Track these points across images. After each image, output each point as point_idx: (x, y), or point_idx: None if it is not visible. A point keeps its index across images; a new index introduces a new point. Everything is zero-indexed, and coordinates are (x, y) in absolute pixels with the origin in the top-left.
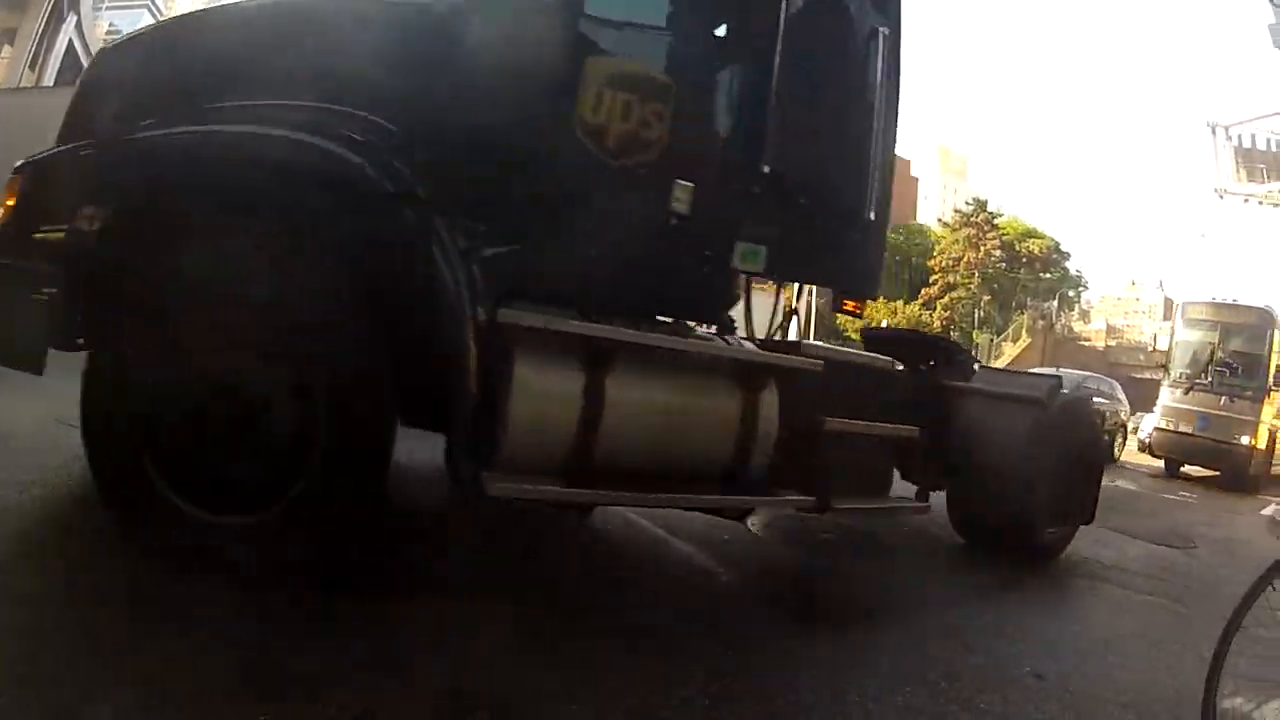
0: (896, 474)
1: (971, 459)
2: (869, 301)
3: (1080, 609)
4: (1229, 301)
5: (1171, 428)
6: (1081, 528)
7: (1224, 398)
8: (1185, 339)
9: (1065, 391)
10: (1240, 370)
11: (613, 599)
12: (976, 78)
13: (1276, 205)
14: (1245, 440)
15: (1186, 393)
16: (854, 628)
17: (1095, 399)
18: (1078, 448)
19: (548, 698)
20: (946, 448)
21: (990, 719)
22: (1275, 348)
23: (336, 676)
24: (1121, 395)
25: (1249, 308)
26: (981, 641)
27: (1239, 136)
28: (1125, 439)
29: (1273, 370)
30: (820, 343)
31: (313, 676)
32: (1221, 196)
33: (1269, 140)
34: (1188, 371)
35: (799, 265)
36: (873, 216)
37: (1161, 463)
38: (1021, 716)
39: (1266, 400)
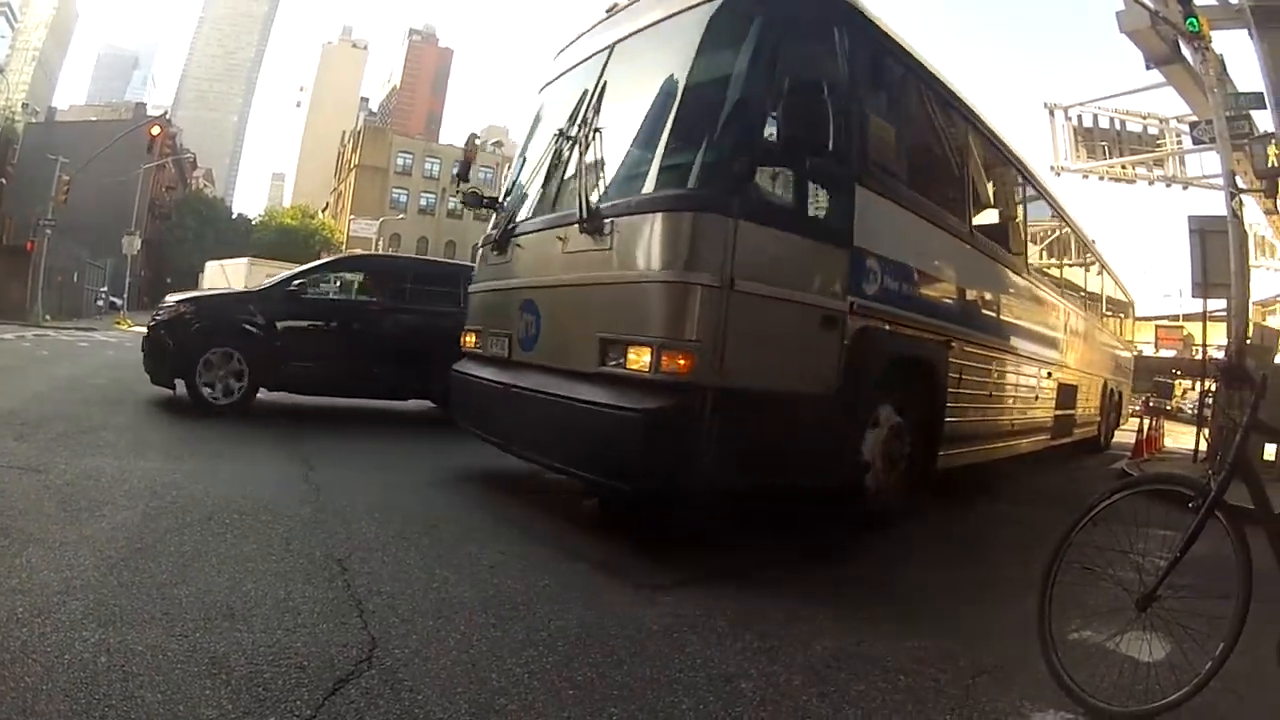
0: None
1: None
2: None
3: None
4: None
5: None
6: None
7: None
8: None
9: None
10: None
11: None
12: None
13: (1118, 179)
14: None
15: None
16: None
17: None
18: None
19: None
20: None
21: (822, 657)
22: None
23: None
24: None
25: None
26: (820, 592)
27: (1078, 116)
28: None
29: None
30: None
31: None
32: (1059, 174)
33: (1111, 120)
34: None
35: None
36: None
37: None
38: (853, 655)
39: None
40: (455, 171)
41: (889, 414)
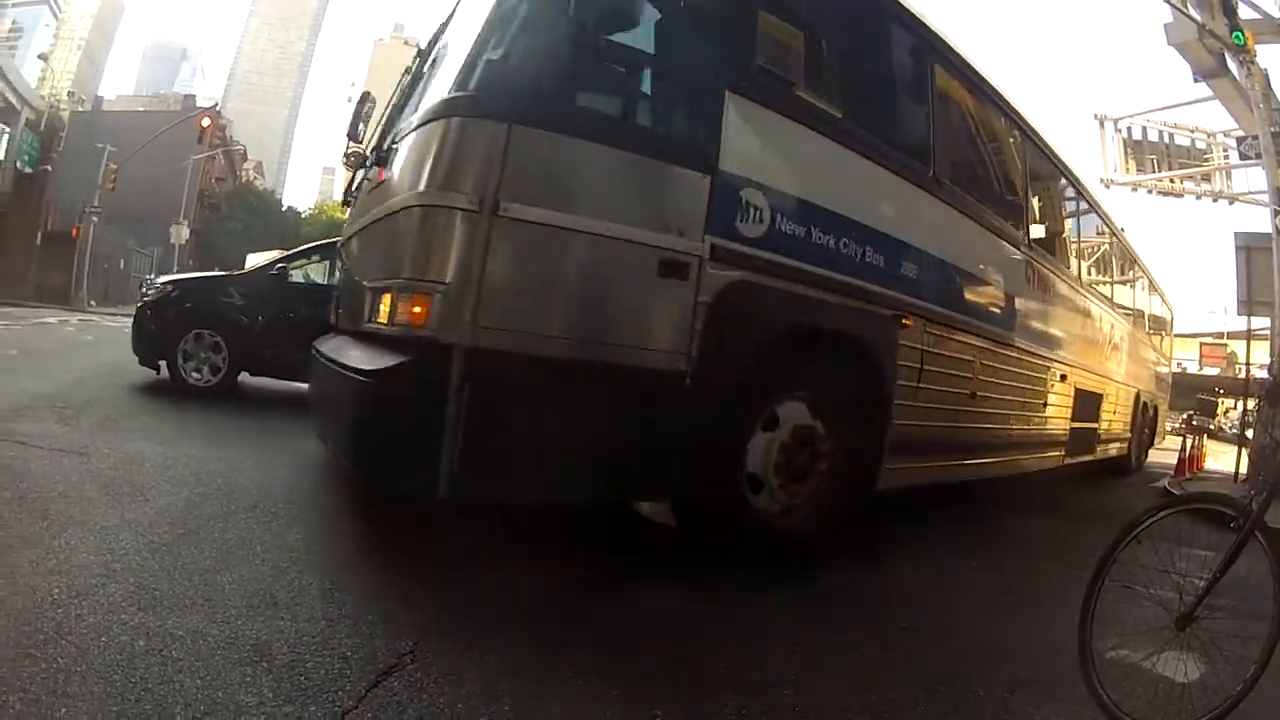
0: None
1: None
2: None
3: (961, 574)
4: None
5: None
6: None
7: None
8: None
9: None
10: None
11: None
12: None
13: (1165, 194)
14: None
15: None
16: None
17: None
18: None
19: None
20: None
21: (864, 666)
22: None
23: None
24: None
25: None
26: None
27: (1128, 129)
28: None
29: None
30: None
31: None
32: (1108, 186)
33: (1160, 133)
34: None
35: None
36: None
37: None
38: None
39: None
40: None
41: (796, 412)
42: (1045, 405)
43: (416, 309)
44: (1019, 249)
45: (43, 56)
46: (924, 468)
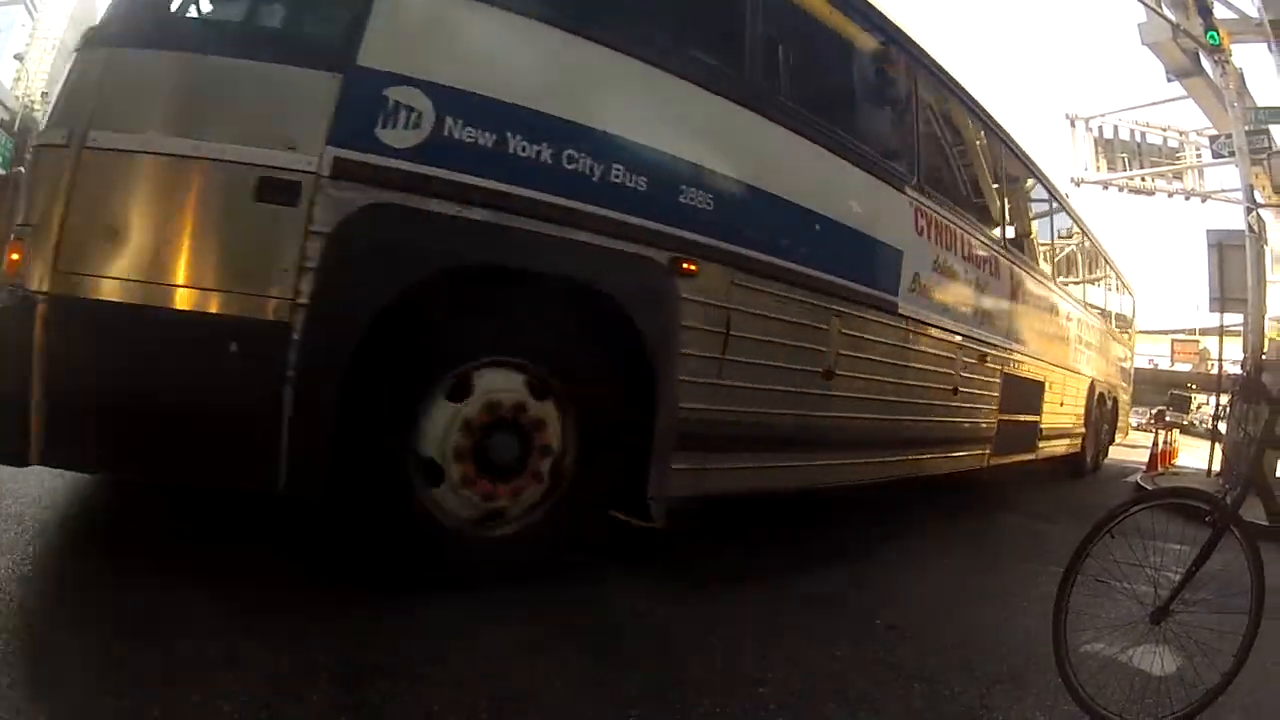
0: None
1: None
2: None
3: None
4: None
5: None
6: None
7: None
8: None
9: None
10: None
11: None
12: None
13: (1136, 192)
14: None
15: None
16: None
17: None
18: None
19: None
20: None
21: (841, 663)
22: None
23: None
24: None
25: None
26: (837, 599)
27: (1099, 128)
28: None
29: None
30: None
31: None
32: (1078, 185)
33: (1132, 131)
34: None
35: None
36: None
37: None
38: (872, 661)
39: None
40: None
41: (501, 383)
42: (956, 393)
43: (14, 255)
44: (904, 191)
45: (18, 57)
46: (743, 469)
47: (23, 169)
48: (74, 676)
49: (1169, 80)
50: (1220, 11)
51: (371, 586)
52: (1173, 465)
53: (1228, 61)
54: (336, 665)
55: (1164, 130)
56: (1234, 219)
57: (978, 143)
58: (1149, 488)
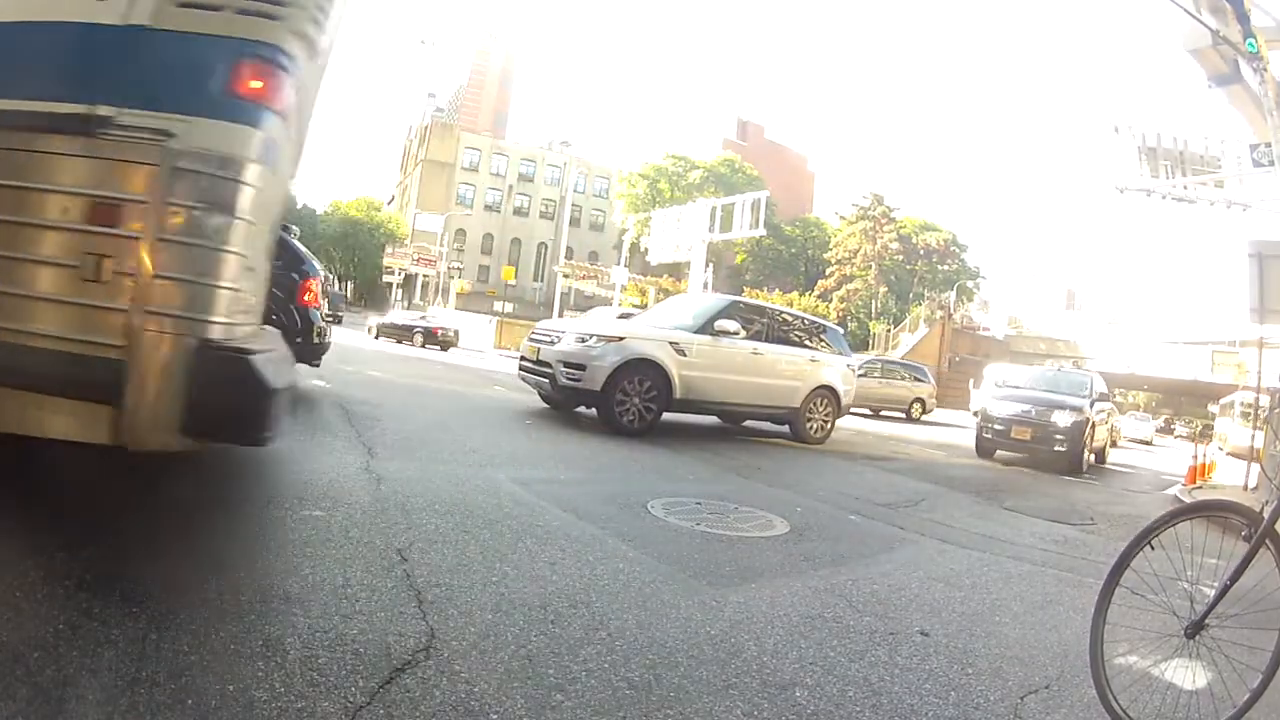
0: None
1: None
2: None
3: (971, 579)
4: None
5: None
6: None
7: None
8: None
9: None
10: None
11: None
12: (881, 74)
13: (1179, 200)
14: None
15: None
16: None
17: None
18: None
19: None
20: None
21: (880, 668)
22: None
23: None
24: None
25: None
26: (871, 604)
27: (1143, 135)
28: None
29: None
30: None
31: None
32: (1122, 192)
33: (1175, 139)
34: None
35: None
36: None
37: None
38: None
39: None
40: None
41: None
42: None
43: None
44: None
45: None
46: None
47: None
48: None
49: (1210, 88)
50: (1259, 18)
51: None
52: (1208, 479)
53: (1266, 69)
54: None
55: (1206, 138)
56: (1276, 229)
57: None
58: (1187, 501)
